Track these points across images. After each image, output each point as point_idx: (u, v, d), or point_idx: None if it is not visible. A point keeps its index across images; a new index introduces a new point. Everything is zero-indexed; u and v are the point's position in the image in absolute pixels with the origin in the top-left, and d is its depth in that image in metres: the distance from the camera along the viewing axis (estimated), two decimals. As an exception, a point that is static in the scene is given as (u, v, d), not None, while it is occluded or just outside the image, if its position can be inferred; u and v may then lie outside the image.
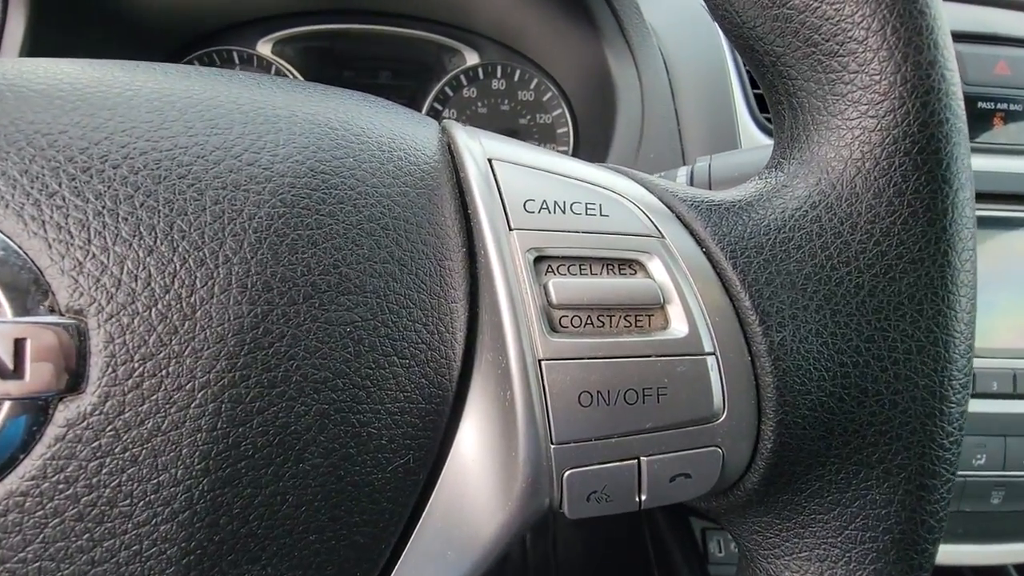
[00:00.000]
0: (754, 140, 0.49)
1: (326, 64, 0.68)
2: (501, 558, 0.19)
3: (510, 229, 0.18)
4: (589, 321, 0.18)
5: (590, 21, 0.56)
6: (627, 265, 0.19)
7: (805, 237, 0.18)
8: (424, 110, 0.66)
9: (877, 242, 0.18)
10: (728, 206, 0.19)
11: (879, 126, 0.18)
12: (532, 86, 0.68)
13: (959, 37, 0.51)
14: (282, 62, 0.67)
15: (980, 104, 0.50)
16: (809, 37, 0.18)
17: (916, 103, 0.17)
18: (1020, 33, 0.51)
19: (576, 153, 0.66)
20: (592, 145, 0.62)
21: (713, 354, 0.18)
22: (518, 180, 0.19)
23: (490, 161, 0.19)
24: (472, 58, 0.68)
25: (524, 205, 0.19)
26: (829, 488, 0.19)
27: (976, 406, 0.48)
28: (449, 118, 0.67)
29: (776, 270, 0.18)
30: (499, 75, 0.68)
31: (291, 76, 0.66)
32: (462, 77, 0.68)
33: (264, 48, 0.66)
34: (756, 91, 0.51)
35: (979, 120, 0.51)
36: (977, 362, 0.48)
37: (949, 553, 0.49)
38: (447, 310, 0.18)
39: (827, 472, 0.19)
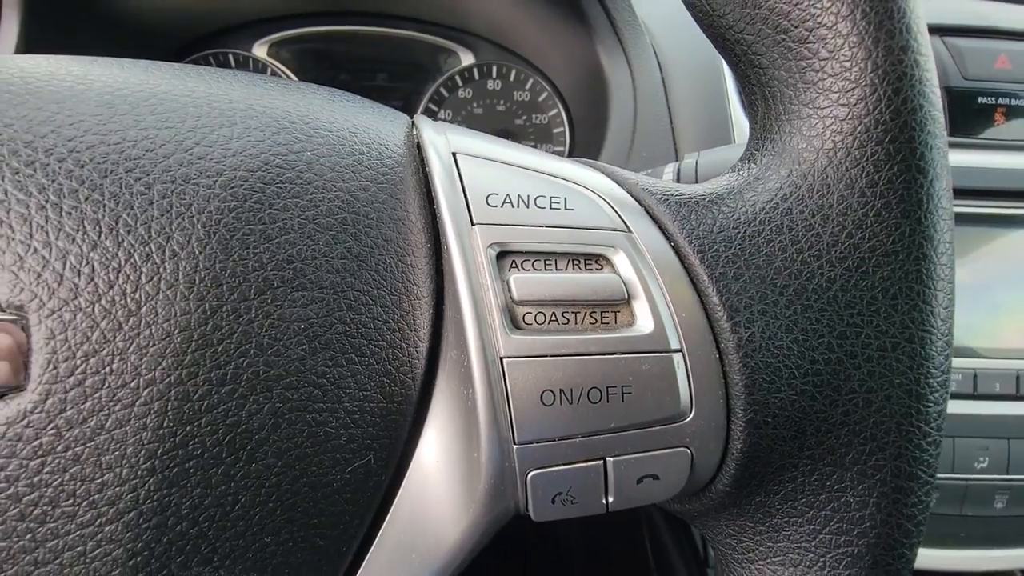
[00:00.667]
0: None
1: (322, 66, 0.68)
2: (469, 563, 0.19)
3: (472, 224, 0.18)
4: (553, 318, 0.18)
5: (582, 19, 0.56)
6: (592, 260, 0.18)
7: (775, 230, 0.18)
8: (419, 111, 0.66)
9: (849, 235, 0.17)
10: (698, 200, 0.19)
11: (850, 115, 0.17)
12: (528, 86, 0.67)
13: (958, 31, 0.50)
14: (278, 64, 0.67)
15: (981, 99, 0.49)
16: (778, 24, 0.17)
17: (888, 90, 0.17)
18: (1021, 26, 0.50)
19: (572, 153, 0.66)
20: (588, 144, 0.62)
21: (680, 351, 0.17)
22: (482, 174, 0.19)
23: (454, 155, 0.19)
24: (467, 59, 0.68)
25: (487, 199, 0.18)
26: (802, 490, 0.18)
27: (979, 408, 0.47)
28: (444, 119, 0.67)
29: (745, 264, 0.17)
30: (494, 75, 0.67)
31: (286, 78, 0.66)
32: (457, 78, 0.67)
33: (260, 51, 0.66)
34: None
35: (980, 116, 0.49)
36: (980, 363, 0.47)
37: (951, 559, 0.47)
38: (409, 307, 0.18)
39: (800, 473, 0.18)
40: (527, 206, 0.18)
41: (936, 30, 0.50)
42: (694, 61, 0.52)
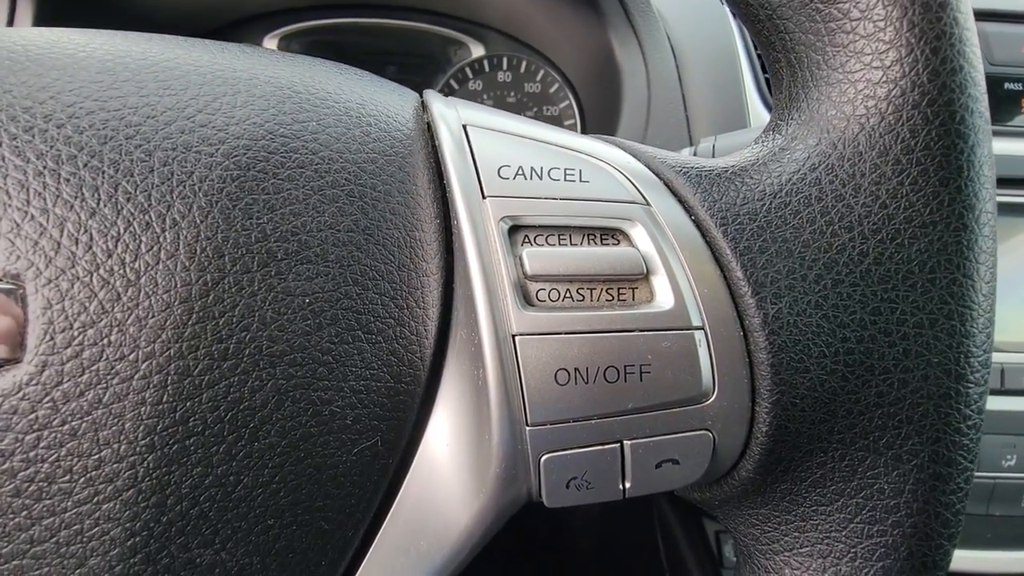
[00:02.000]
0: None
1: (332, 58, 0.68)
2: (478, 553, 0.18)
3: (484, 197, 0.17)
4: (568, 294, 0.17)
5: (595, 7, 0.55)
6: (609, 234, 0.18)
7: (803, 202, 0.17)
8: (429, 103, 0.66)
9: (883, 205, 0.16)
10: (720, 172, 0.18)
11: (885, 78, 0.16)
12: (538, 78, 0.66)
13: (984, 16, 0.48)
14: (288, 57, 0.66)
15: (1007, 85, 0.48)
16: None
17: (925, 50, 0.16)
18: (1051, 9, 0.48)
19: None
20: (600, 134, 0.61)
21: (701, 328, 0.16)
22: (493, 146, 0.18)
23: (465, 127, 0.18)
24: (478, 50, 0.67)
25: (499, 171, 0.17)
26: (832, 477, 0.17)
27: (1006, 404, 0.45)
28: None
29: (771, 237, 0.17)
30: (505, 67, 0.67)
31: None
32: (467, 70, 0.67)
33: (271, 43, 0.66)
34: (767, 75, 0.49)
35: (1006, 103, 0.48)
36: (1008, 357, 0.46)
37: (976, 560, 0.46)
38: (417, 284, 0.17)
39: (829, 459, 0.17)
40: (540, 178, 0.17)
41: (961, 14, 0.48)
42: (709, 47, 0.51)
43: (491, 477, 0.17)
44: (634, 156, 0.19)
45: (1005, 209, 0.46)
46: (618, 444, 0.17)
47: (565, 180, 0.17)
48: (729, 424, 0.17)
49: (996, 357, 0.46)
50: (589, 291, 0.17)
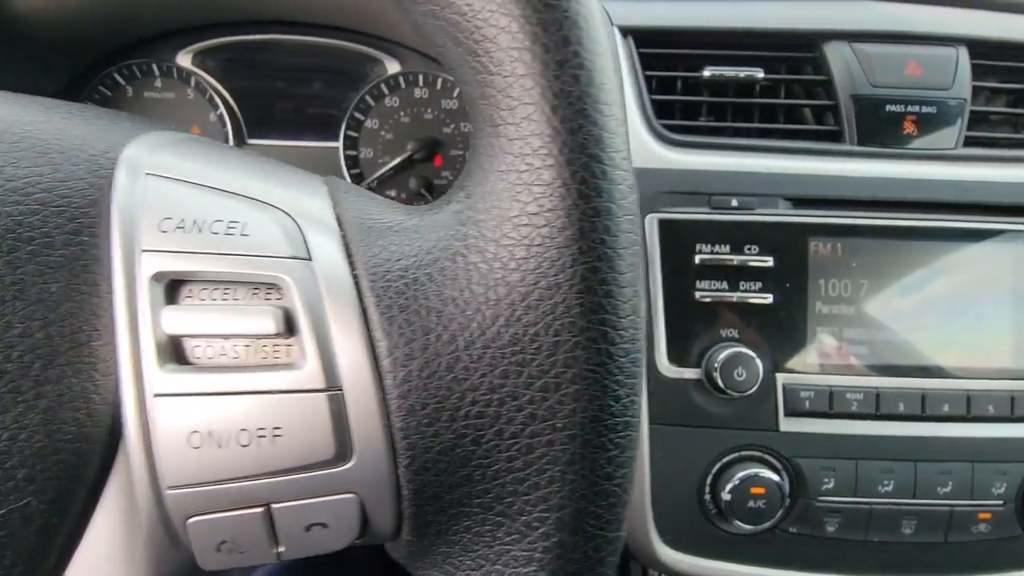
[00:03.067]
0: (648, 151, 0.47)
1: (252, 75, 0.68)
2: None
3: (141, 251, 0.17)
4: (223, 351, 0.17)
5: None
6: (271, 289, 0.17)
7: (450, 257, 0.16)
8: (345, 120, 0.65)
9: (519, 262, 0.16)
10: (390, 226, 0.17)
11: (518, 133, 0.16)
12: (455, 94, 0.66)
13: (866, 37, 0.48)
14: (203, 74, 0.67)
15: (889, 107, 0.47)
16: (454, 34, 0.16)
17: (545, 108, 0.15)
18: (933, 29, 0.48)
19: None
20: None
21: (338, 390, 0.16)
22: (166, 196, 0.17)
23: (148, 176, 0.18)
24: (393, 67, 0.67)
25: (159, 225, 0.17)
26: (478, 542, 0.17)
27: (883, 429, 0.45)
28: (371, 128, 0.66)
29: (415, 295, 0.16)
30: (421, 84, 0.67)
31: (212, 87, 0.66)
32: (383, 86, 0.67)
33: (184, 60, 0.66)
34: (653, 96, 0.49)
35: (888, 124, 0.47)
36: (882, 381, 0.45)
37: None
38: (85, 340, 0.17)
39: (475, 523, 0.17)
40: (200, 231, 0.17)
41: (845, 36, 0.48)
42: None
43: (140, 541, 0.16)
44: (335, 203, 0.18)
45: (881, 233, 0.46)
46: (265, 507, 0.16)
47: (225, 233, 0.17)
48: (374, 488, 0.16)
49: (878, 381, 0.45)
50: (245, 348, 0.17)
